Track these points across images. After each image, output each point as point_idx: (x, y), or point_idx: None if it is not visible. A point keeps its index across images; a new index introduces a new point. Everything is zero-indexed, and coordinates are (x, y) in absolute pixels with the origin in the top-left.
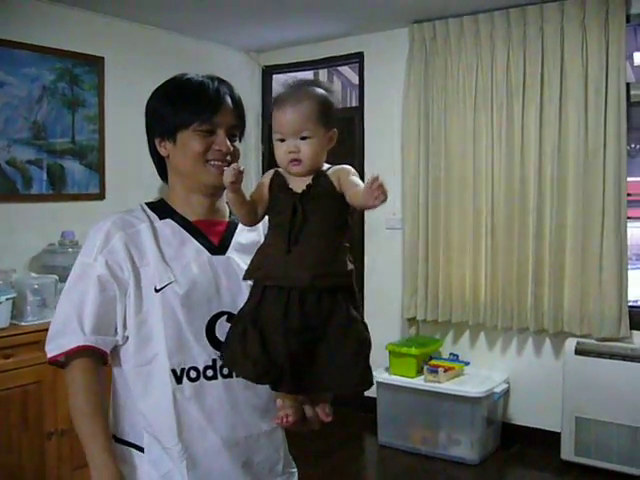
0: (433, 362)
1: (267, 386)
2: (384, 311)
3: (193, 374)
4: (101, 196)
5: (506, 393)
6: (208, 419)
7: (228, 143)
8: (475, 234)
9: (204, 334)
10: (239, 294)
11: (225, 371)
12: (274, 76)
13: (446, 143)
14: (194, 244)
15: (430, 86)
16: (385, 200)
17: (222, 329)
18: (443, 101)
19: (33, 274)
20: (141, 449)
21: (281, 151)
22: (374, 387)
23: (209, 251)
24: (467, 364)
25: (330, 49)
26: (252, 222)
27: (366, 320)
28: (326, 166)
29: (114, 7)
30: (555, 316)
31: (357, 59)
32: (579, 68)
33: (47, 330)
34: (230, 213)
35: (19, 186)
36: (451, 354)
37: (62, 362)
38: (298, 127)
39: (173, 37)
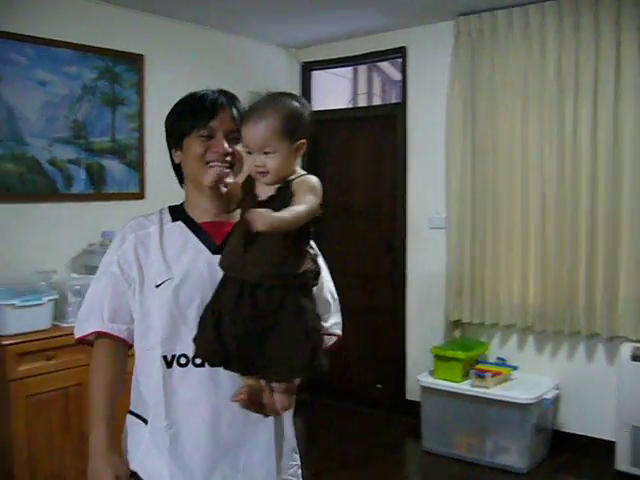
0: (480, 366)
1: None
2: (427, 313)
3: (183, 360)
4: (141, 195)
5: (556, 399)
6: (193, 402)
7: (225, 145)
8: (524, 233)
9: (197, 325)
10: None
11: None
12: (313, 72)
13: (493, 140)
14: (197, 244)
15: (476, 81)
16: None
17: None
18: (490, 97)
19: (74, 274)
20: (145, 421)
21: (249, 162)
22: (418, 391)
23: (210, 250)
24: (515, 368)
25: (371, 44)
26: (227, 212)
27: (407, 321)
28: (298, 172)
29: (154, 4)
30: (609, 320)
31: (399, 54)
32: (637, 62)
33: None
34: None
35: (59, 185)
36: (498, 358)
37: (91, 341)
38: (261, 143)
39: (212, 34)
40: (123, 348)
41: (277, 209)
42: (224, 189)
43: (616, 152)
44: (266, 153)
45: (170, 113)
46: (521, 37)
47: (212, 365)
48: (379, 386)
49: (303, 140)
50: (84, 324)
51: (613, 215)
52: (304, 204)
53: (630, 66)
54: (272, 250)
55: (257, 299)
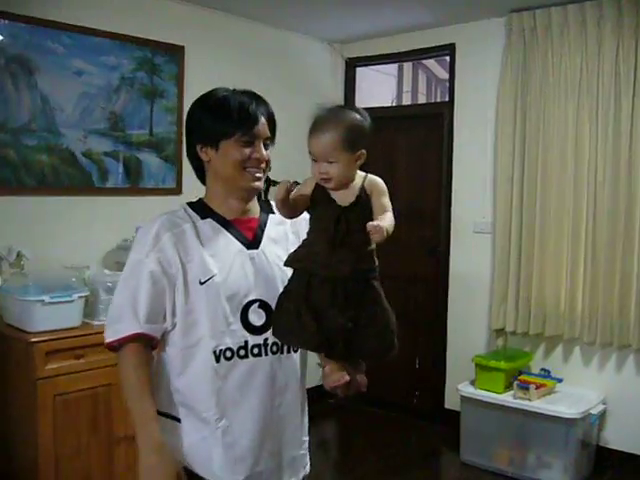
0: (523, 377)
1: (284, 364)
2: (469, 320)
3: (228, 354)
4: (178, 191)
5: (602, 414)
6: (240, 392)
7: (264, 152)
8: (574, 241)
9: (239, 319)
10: (271, 282)
11: (255, 350)
12: (357, 69)
13: (544, 143)
14: (232, 240)
15: (528, 80)
16: (379, 240)
17: (254, 314)
18: (542, 97)
19: (107, 271)
20: (178, 419)
21: (315, 169)
22: (458, 401)
23: (245, 246)
24: (560, 381)
25: (418, 41)
26: (291, 218)
27: (449, 328)
28: (360, 175)
29: None
30: None
31: (448, 51)
32: None
33: None
34: (260, 210)
35: (95, 179)
36: (542, 369)
37: (116, 346)
38: (324, 154)
39: (254, 26)
40: (151, 349)
41: (360, 213)
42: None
43: None
44: (329, 162)
45: (202, 110)
46: (576, 35)
47: (318, 352)
48: (417, 394)
49: (363, 150)
50: (117, 326)
51: None
52: (389, 209)
53: None
54: (359, 249)
55: (348, 292)
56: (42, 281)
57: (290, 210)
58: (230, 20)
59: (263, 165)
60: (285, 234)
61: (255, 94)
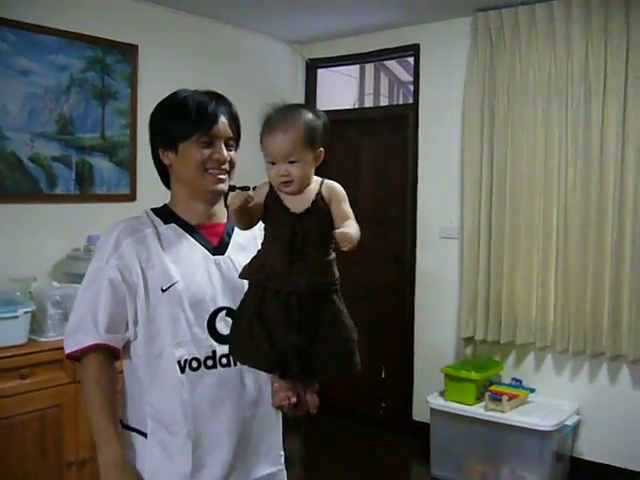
0: (494, 388)
1: (256, 374)
2: (437, 328)
3: (194, 364)
4: (132, 197)
5: (576, 425)
6: (209, 404)
7: (225, 153)
8: (544, 246)
9: (206, 327)
10: (238, 290)
11: (224, 360)
12: (319, 70)
13: (513, 145)
14: (196, 246)
15: (495, 81)
16: (349, 248)
17: (222, 323)
18: (510, 98)
19: (55, 283)
20: (144, 434)
21: (272, 173)
22: (427, 412)
23: (210, 252)
24: (532, 391)
25: (381, 41)
26: (247, 229)
27: (416, 337)
28: (316, 180)
29: None
30: (635, 341)
31: (412, 52)
32: None
33: None
34: (227, 216)
35: (43, 185)
36: (513, 379)
37: (78, 357)
38: (286, 153)
39: (211, 25)
40: (113, 360)
41: (317, 221)
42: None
43: None
44: (291, 162)
45: (162, 112)
46: (544, 34)
47: (270, 373)
48: (384, 405)
49: (321, 149)
50: (76, 337)
51: None
52: (351, 215)
53: None
54: (317, 261)
55: (304, 307)
56: None
57: (247, 221)
58: (186, 18)
59: (225, 166)
60: (254, 240)
61: (216, 94)
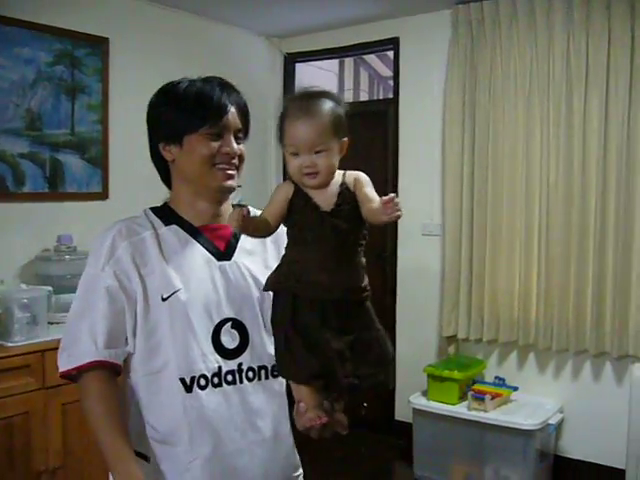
0: (477, 387)
1: (271, 392)
2: (418, 327)
3: (202, 382)
4: (104, 195)
5: (559, 423)
6: (217, 424)
7: (235, 146)
8: (527, 243)
9: (210, 341)
10: (246, 299)
11: (229, 378)
12: (297, 65)
13: (494, 140)
14: (200, 250)
15: (476, 75)
16: (399, 217)
17: (227, 335)
18: (491, 92)
19: (23, 285)
20: (146, 458)
21: (295, 165)
22: (408, 411)
23: (215, 257)
24: (515, 389)
25: (360, 35)
26: (265, 237)
27: (398, 337)
28: (338, 172)
29: None
30: (619, 338)
31: (392, 45)
32: None
33: (38, 352)
34: None
35: (9, 183)
36: (496, 378)
37: (74, 375)
38: (313, 142)
39: (186, 18)
40: (115, 377)
41: (348, 217)
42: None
43: (629, 152)
44: (317, 152)
45: (162, 103)
46: (525, 27)
47: (309, 384)
48: (365, 405)
49: (346, 138)
50: (72, 352)
51: (625, 223)
52: (378, 198)
53: None
54: (353, 265)
55: (341, 314)
56: None
57: (263, 230)
58: (159, 11)
59: (235, 160)
60: (263, 245)
61: (223, 81)
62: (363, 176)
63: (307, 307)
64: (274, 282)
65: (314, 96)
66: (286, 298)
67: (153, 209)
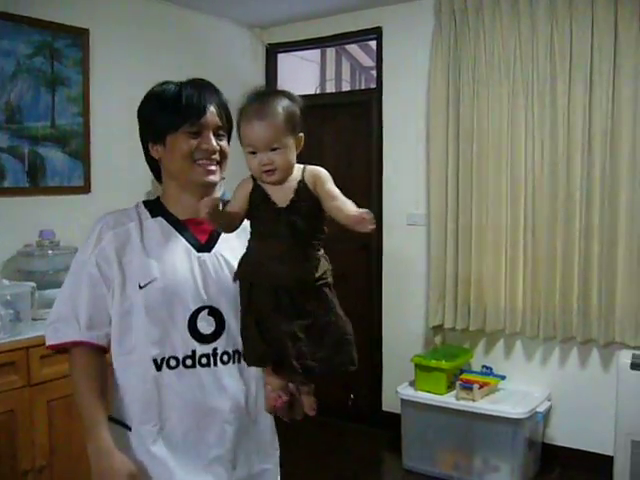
0: (465, 376)
1: (247, 374)
2: (405, 318)
3: (173, 363)
4: (86, 189)
5: (547, 410)
6: (185, 403)
7: (214, 142)
8: (512, 231)
9: (186, 326)
10: (224, 288)
11: (204, 360)
12: (279, 55)
13: (479, 129)
14: (181, 241)
15: (460, 64)
16: (372, 230)
17: (204, 322)
18: (475, 81)
19: (5, 281)
20: (129, 428)
21: (254, 163)
22: (398, 404)
23: (195, 248)
24: (503, 378)
25: (343, 24)
26: (232, 231)
27: (384, 326)
28: (298, 167)
29: None
30: (606, 325)
31: (374, 35)
32: (636, 41)
33: (22, 349)
34: None
35: None
36: (484, 367)
37: (62, 349)
38: (268, 141)
39: (168, 8)
40: (102, 354)
41: (304, 212)
42: (212, 187)
43: (614, 141)
44: (273, 150)
45: (147, 105)
46: (509, 15)
47: (262, 365)
48: (352, 396)
49: (301, 134)
50: (58, 330)
51: (610, 211)
52: (339, 194)
53: (629, 45)
54: (306, 258)
55: (295, 299)
56: None
57: (228, 225)
58: (140, 1)
59: (215, 156)
60: (243, 238)
61: (204, 82)
62: (323, 172)
63: (262, 294)
64: (236, 272)
65: (267, 95)
66: (243, 284)
67: (145, 202)
